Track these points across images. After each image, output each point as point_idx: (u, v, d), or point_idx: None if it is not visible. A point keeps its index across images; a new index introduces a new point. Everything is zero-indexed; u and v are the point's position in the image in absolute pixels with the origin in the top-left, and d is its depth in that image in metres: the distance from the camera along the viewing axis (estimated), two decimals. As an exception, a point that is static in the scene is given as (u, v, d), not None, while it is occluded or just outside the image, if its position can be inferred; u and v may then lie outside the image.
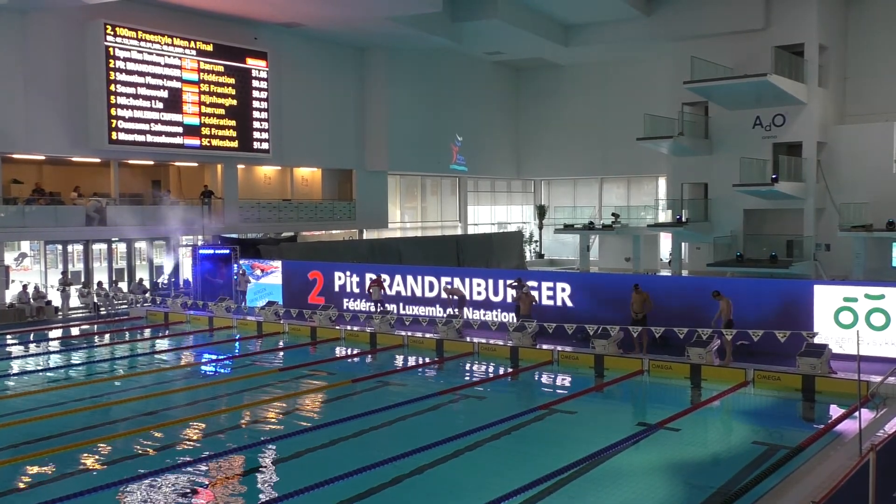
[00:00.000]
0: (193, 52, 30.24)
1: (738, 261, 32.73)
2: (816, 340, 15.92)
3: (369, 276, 23.43)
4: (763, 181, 31.77)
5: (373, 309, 22.59)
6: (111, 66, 27.58)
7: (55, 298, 27.21)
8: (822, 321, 16.65)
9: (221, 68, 31.27)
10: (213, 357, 20.46)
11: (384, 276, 23.32)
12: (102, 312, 27.20)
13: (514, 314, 20.31)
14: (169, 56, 29.43)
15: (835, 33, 34.39)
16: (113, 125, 27.72)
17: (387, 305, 22.90)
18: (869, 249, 30.67)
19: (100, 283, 28.28)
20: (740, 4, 33.87)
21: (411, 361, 19.38)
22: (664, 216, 39.34)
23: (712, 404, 14.84)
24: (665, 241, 40.37)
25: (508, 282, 21.05)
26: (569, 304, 20.29)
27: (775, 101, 32.64)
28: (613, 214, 40.26)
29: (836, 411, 13.95)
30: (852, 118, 35.08)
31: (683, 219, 35.12)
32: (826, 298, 16.76)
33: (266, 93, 32.94)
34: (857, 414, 11.43)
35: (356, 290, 24.25)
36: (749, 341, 16.36)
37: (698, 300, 18.10)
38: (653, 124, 35.10)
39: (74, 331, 24.66)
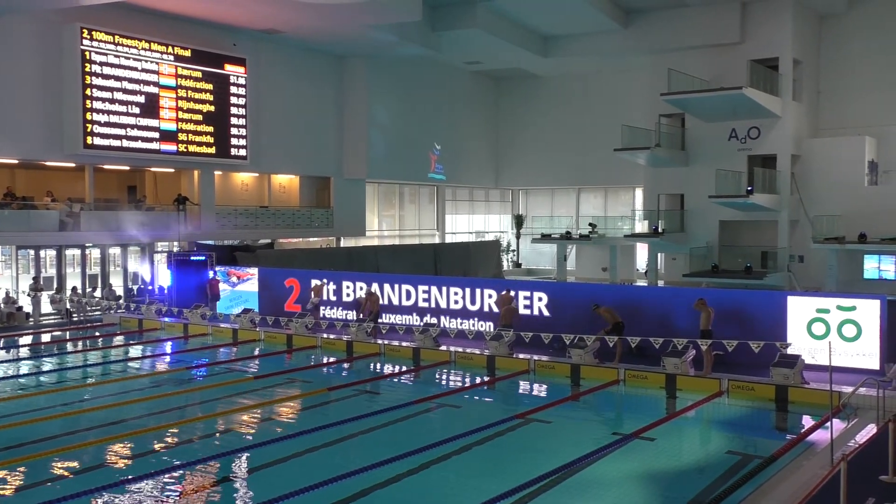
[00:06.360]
0: (171, 58, 30.03)
1: (714, 271, 33.04)
2: (789, 351, 16.07)
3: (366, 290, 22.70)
4: (738, 193, 32.12)
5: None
6: (87, 70, 27.30)
7: (26, 304, 26.81)
8: (795, 332, 16.81)
9: (199, 74, 31.09)
10: (188, 364, 20.25)
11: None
12: (75, 319, 26.87)
13: (491, 323, 20.33)
14: (146, 61, 29.21)
15: (808, 48, 34.92)
16: (88, 129, 27.42)
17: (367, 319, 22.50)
18: (841, 261, 31.09)
19: (74, 289, 27.93)
20: (716, 18, 34.32)
21: (388, 370, 19.31)
22: (641, 227, 39.63)
23: (687, 414, 14.92)
24: (641, 252, 40.62)
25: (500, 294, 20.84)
26: (546, 313, 20.32)
27: (750, 113, 33.05)
28: (590, 224, 40.45)
29: (808, 421, 14.08)
30: (825, 132, 35.61)
31: (660, 229, 35.41)
32: (799, 309, 16.93)
33: (244, 99, 32.78)
34: (829, 424, 11.54)
35: (333, 298, 24.13)
36: (723, 351, 16.48)
37: (674, 310, 18.24)
38: (630, 135, 35.39)
39: (46, 337, 24.32)
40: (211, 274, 26.29)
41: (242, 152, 32.83)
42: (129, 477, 11.02)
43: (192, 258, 27.11)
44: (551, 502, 10.15)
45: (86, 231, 28.02)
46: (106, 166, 30.14)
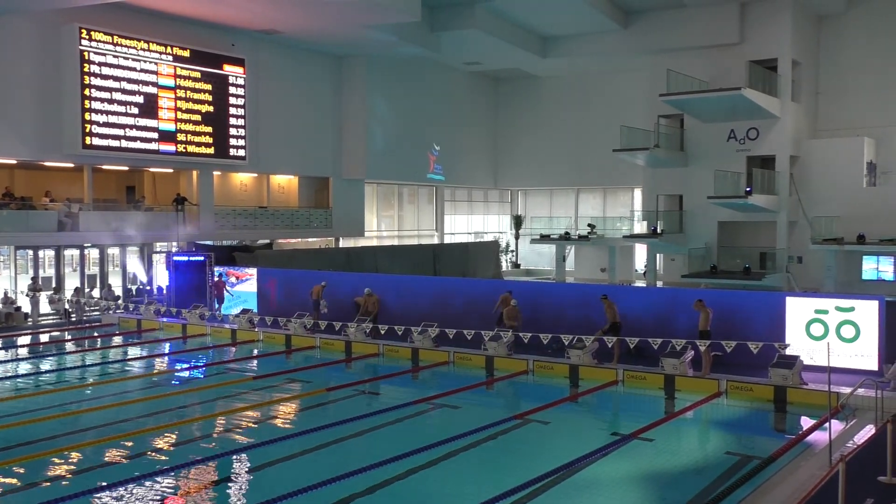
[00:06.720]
0: (170, 58, 30.01)
1: (712, 272, 33.05)
2: (788, 352, 16.08)
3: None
4: (737, 194, 32.13)
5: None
6: (86, 70, 27.27)
7: (24, 304, 26.78)
8: (793, 333, 16.82)
9: (198, 74, 31.07)
10: (186, 365, 20.25)
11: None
12: (73, 319, 26.84)
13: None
14: (145, 61, 29.19)
15: (807, 49, 34.94)
16: (87, 130, 27.39)
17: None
18: (840, 262, 31.12)
19: (77, 289, 27.90)
20: (716, 19, 34.34)
21: (386, 370, 19.29)
22: (639, 227, 39.65)
23: (686, 415, 14.94)
24: (640, 252, 40.64)
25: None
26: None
27: (749, 114, 33.07)
28: (589, 225, 40.49)
29: (806, 422, 14.10)
30: (824, 132, 35.64)
31: (658, 230, 35.41)
32: (798, 310, 16.94)
33: (243, 99, 32.77)
34: (827, 425, 11.55)
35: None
36: (722, 352, 16.49)
37: (672, 311, 18.24)
38: (629, 136, 35.41)
39: (44, 337, 24.31)
40: (217, 276, 26.26)
41: (241, 153, 32.82)
42: (129, 477, 11.00)
43: (190, 258, 27.10)
44: (550, 503, 10.15)
45: (84, 231, 28.00)
46: (105, 167, 30.12)
